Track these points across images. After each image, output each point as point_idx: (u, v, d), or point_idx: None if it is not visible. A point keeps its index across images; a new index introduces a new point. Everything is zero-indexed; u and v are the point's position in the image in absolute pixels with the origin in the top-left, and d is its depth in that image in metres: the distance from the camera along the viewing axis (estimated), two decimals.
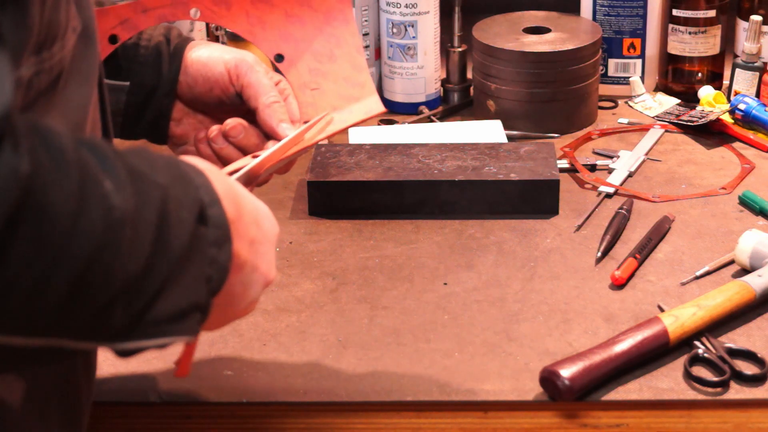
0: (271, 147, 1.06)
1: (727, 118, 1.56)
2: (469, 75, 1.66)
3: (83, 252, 0.66)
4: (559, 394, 1.04)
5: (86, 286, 0.67)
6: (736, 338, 1.13)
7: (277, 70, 1.13)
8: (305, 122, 1.10)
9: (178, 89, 1.11)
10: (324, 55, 1.10)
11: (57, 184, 0.65)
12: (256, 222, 0.84)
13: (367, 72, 1.11)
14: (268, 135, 1.10)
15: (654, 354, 1.09)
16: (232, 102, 1.12)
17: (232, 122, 1.09)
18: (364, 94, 1.09)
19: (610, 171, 1.46)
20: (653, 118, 1.61)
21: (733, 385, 1.07)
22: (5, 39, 0.67)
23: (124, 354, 0.74)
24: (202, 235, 0.75)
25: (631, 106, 1.65)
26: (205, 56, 1.11)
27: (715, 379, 1.07)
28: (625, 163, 1.47)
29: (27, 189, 0.63)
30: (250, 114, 1.11)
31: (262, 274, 0.84)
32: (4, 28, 0.67)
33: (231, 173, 1.03)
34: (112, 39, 1.08)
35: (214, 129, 1.10)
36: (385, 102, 1.67)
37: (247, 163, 1.06)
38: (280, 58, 1.12)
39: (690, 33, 1.64)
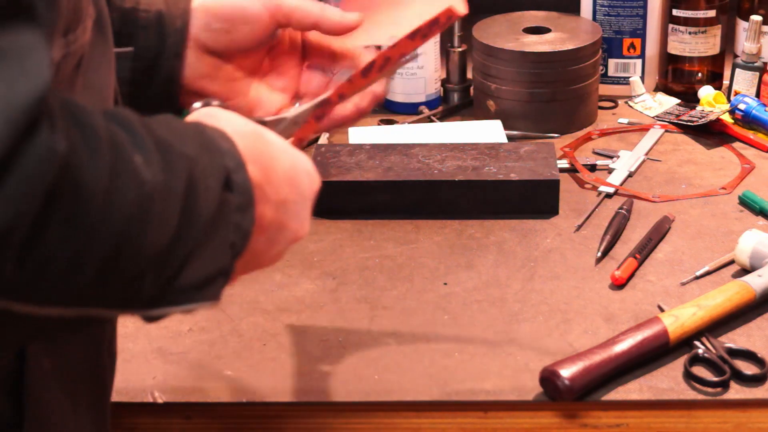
0: (325, 94, 0.98)
1: (727, 118, 1.56)
2: (469, 75, 1.66)
3: (117, 227, 0.67)
4: (559, 394, 1.04)
5: (119, 259, 0.68)
6: (736, 338, 1.13)
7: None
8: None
9: (207, 42, 1.05)
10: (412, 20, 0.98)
11: (91, 162, 0.66)
12: (291, 181, 0.83)
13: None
14: (337, 33, 1.03)
15: (654, 354, 1.09)
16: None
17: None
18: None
19: (610, 171, 1.46)
20: (653, 118, 1.61)
21: (733, 385, 1.07)
22: (41, 18, 0.68)
23: (150, 319, 0.75)
24: (227, 201, 0.75)
25: (631, 106, 1.65)
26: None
27: (715, 379, 1.07)
28: (625, 163, 1.47)
29: (64, 168, 0.64)
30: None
31: (291, 232, 0.84)
32: (39, 7, 0.68)
33: (273, 116, 0.97)
34: None
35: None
36: (385, 102, 1.67)
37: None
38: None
39: (690, 33, 1.64)
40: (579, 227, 1.33)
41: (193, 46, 1.03)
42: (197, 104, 0.88)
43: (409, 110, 1.64)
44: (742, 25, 1.65)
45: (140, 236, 0.69)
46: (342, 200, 1.36)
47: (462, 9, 0.92)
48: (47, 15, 0.70)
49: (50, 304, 0.68)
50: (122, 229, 0.68)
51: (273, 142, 0.83)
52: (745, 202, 1.37)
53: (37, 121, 0.63)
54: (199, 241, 0.73)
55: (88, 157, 0.66)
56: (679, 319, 1.11)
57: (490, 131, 1.52)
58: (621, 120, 1.61)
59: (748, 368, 1.08)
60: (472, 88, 1.65)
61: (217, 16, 1.03)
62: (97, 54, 0.82)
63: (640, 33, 1.66)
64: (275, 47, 1.08)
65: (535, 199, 1.35)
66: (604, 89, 1.66)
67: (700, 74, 1.66)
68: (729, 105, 1.57)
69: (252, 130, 0.81)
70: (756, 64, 1.60)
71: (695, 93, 1.63)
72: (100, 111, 0.69)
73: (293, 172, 0.84)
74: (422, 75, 1.64)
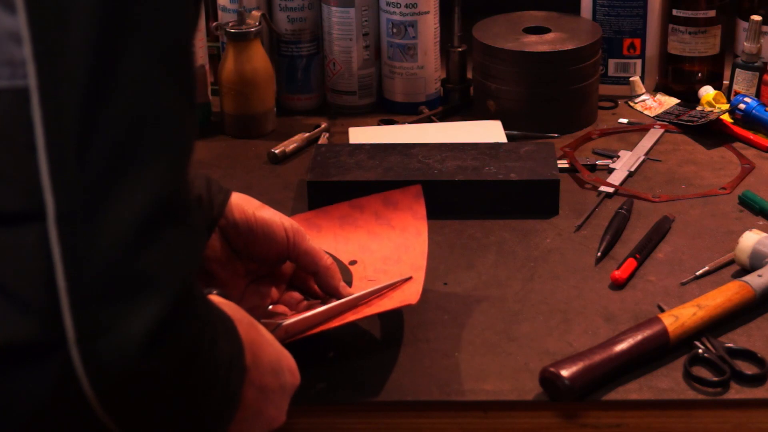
0: (318, 308, 1.09)
1: (727, 118, 1.56)
2: (469, 75, 1.66)
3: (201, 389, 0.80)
4: (559, 394, 1.04)
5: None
6: (735, 338, 1.13)
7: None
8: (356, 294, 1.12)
9: (234, 236, 1.12)
10: (392, 259, 1.15)
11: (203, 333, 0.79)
12: (274, 372, 0.92)
13: (423, 272, 1.14)
14: (329, 294, 1.13)
15: (654, 354, 1.09)
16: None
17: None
18: (410, 287, 1.12)
19: (610, 171, 1.46)
20: (653, 118, 1.61)
21: (732, 385, 1.07)
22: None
23: None
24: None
25: (631, 106, 1.65)
26: (268, 217, 1.12)
27: (715, 379, 1.07)
28: (625, 163, 1.47)
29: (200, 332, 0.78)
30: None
31: (267, 419, 0.92)
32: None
33: (270, 320, 1.06)
34: None
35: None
36: (385, 102, 1.67)
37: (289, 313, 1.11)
38: (353, 262, 1.18)
39: (690, 33, 1.64)
40: (579, 227, 1.33)
41: (219, 233, 1.10)
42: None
43: (409, 110, 1.64)
44: (742, 25, 1.65)
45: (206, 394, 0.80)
46: (342, 200, 1.35)
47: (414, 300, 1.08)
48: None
49: None
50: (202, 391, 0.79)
51: (263, 334, 0.93)
52: (745, 202, 1.37)
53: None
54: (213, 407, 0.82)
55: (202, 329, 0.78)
56: (679, 319, 1.11)
57: (490, 131, 1.52)
58: (621, 120, 1.61)
59: (748, 368, 1.08)
60: (472, 88, 1.65)
61: (248, 222, 1.11)
62: None
63: (640, 33, 1.66)
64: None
65: (535, 199, 1.35)
66: (604, 89, 1.66)
67: (700, 74, 1.66)
68: (729, 105, 1.57)
69: (248, 320, 0.91)
70: (756, 64, 1.60)
71: (695, 93, 1.63)
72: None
73: (278, 364, 0.92)
74: (422, 75, 1.64)
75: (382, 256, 1.16)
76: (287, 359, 0.95)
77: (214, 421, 0.81)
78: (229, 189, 1.12)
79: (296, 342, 1.04)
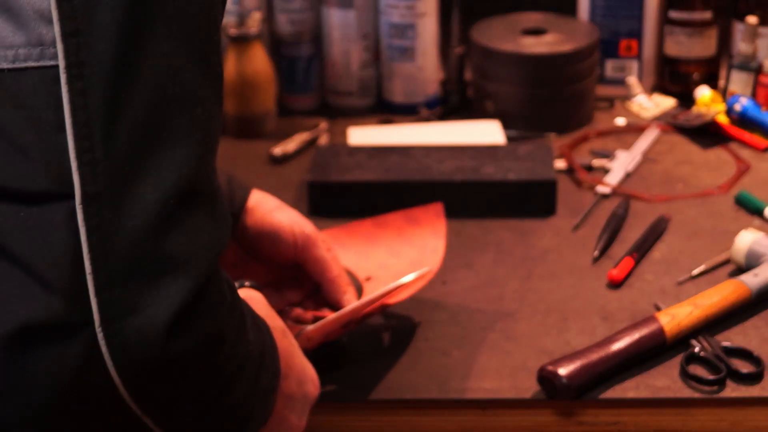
0: (335, 313, 1.09)
1: (723, 119, 1.57)
2: (468, 76, 1.67)
3: (227, 375, 0.79)
4: (556, 392, 1.05)
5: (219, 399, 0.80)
6: (732, 337, 1.14)
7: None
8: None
9: (242, 238, 1.12)
10: (403, 273, 1.15)
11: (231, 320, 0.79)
12: (299, 381, 0.92)
13: (426, 281, 1.13)
14: (334, 307, 1.12)
15: (651, 353, 1.10)
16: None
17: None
18: (404, 291, 1.13)
19: (607, 171, 1.46)
20: (650, 118, 1.62)
21: (729, 383, 1.07)
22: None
23: None
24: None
25: (627, 107, 1.66)
26: (277, 221, 1.12)
27: (712, 377, 1.07)
28: (622, 163, 1.48)
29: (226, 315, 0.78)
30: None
31: (289, 425, 0.92)
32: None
33: (293, 324, 1.07)
34: None
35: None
36: (385, 102, 1.67)
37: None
38: (369, 279, 1.18)
39: (686, 34, 1.65)
40: (576, 227, 1.34)
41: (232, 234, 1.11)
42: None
43: (408, 111, 1.65)
44: (738, 27, 1.65)
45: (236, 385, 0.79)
46: (342, 200, 1.36)
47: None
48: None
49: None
50: (231, 375, 0.79)
51: (293, 344, 0.93)
52: (741, 202, 1.38)
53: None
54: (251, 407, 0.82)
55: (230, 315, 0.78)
56: (676, 318, 1.11)
57: (488, 132, 1.52)
58: (618, 120, 1.62)
59: (744, 367, 1.09)
60: (470, 89, 1.66)
61: (255, 224, 1.11)
62: None
63: (637, 34, 1.67)
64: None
65: (533, 199, 1.36)
66: (601, 90, 1.67)
67: (696, 75, 1.67)
68: (725, 106, 1.58)
69: (281, 327, 0.91)
70: (752, 66, 1.61)
71: (691, 94, 1.64)
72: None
73: (303, 374, 0.93)
74: (421, 76, 1.64)
75: (395, 273, 1.16)
76: (310, 369, 0.95)
77: (242, 414, 0.81)
78: (250, 186, 1.11)
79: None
